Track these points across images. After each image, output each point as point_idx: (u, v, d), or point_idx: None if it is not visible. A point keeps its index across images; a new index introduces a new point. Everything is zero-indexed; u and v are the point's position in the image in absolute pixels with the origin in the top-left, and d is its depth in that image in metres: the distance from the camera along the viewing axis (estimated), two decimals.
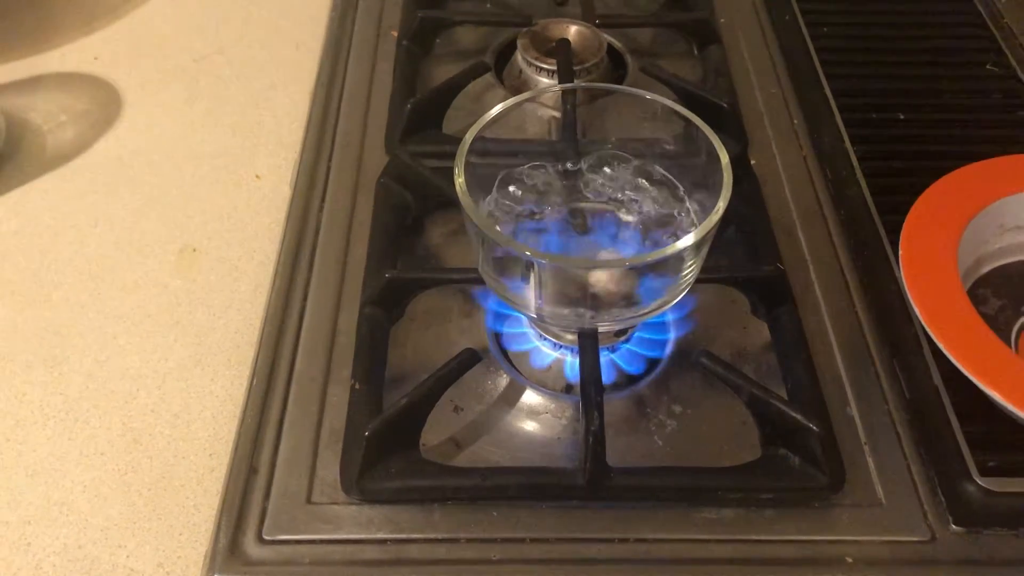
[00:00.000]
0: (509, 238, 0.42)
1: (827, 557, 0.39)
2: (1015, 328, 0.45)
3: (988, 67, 0.63)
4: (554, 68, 0.60)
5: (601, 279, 0.43)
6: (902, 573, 0.39)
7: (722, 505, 0.40)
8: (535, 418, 0.44)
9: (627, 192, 0.48)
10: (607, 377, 0.45)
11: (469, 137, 0.42)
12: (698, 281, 0.46)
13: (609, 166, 0.48)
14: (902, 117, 0.59)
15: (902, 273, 0.43)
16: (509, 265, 0.42)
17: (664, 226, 0.46)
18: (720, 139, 0.42)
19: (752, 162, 0.57)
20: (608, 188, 0.48)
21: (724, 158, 0.41)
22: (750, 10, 0.68)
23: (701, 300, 0.49)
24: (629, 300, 0.43)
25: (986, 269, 0.48)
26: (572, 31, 0.64)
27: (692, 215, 0.46)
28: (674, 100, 0.59)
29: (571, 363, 0.45)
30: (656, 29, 0.67)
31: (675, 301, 0.43)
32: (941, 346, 0.41)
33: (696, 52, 0.65)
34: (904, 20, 0.67)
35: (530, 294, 0.43)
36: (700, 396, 0.45)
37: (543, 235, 0.47)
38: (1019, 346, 0.45)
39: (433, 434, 0.43)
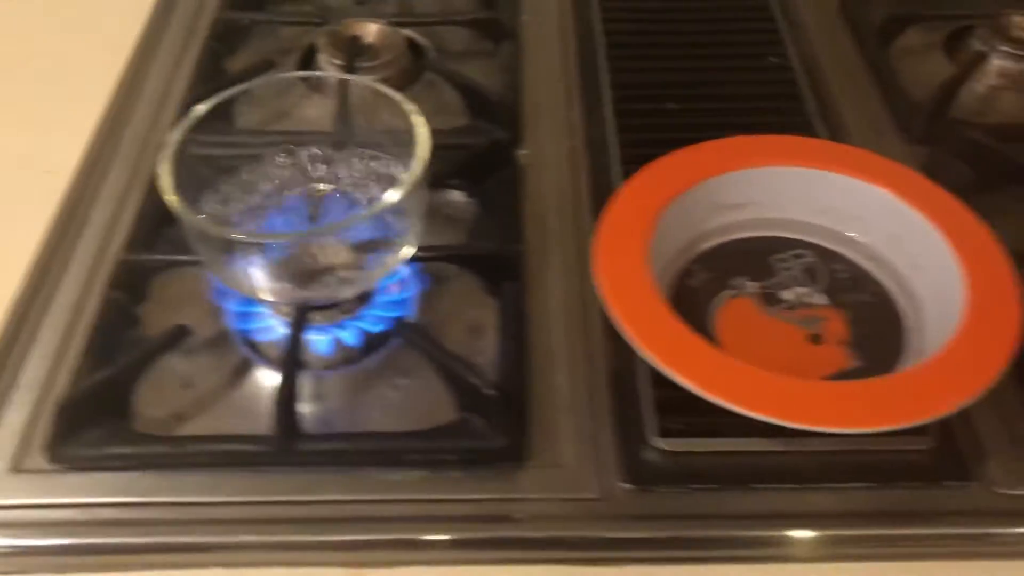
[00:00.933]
0: (206, 221, 0.45)
1: (498, 514, 0.41)
2: (713, 300, 0.48)
3: (770, 59, 0.66)
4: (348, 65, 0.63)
5: (313, 254, 0.46)
6: (568, 527, 0.41)
7: (409, 467, 0.43)
8: (261, 391, 0.47)
9: (360, 175, 0.50)
10: (327, 351, 0.47)
11: (177, 135, 0.45)
12: (427, 259, 0.49)
13: (351, 154, 0.51)
14: (674, 107, 0.62)
15: (592, 253, 0.46)
16: (221, 247, 0.45)
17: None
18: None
19: (523, 152, 0.59)
20: (343, 174, 0.50)
21: (413, 114, 0.45)
22: (555, 8, 0.71)
23: (442, 279, 0.51)
24: (343, 273, 0.46)
25: (706, 246, 0.50)
26: (373, 30, 0.66)
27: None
28: (459, 96, 0.63)
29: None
30: (469, 29, 0.70)
31: (389, 272, 0.46)
32: (617, 320, 0.43)
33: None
34: (698, 16, 0.69)
35: (246, 274, 0.45)
36: (425, 369, 0.47)
37: (274, 219, 0.49)
38: (716, 317, 0.47)
39: (157, 408, 0.45)
